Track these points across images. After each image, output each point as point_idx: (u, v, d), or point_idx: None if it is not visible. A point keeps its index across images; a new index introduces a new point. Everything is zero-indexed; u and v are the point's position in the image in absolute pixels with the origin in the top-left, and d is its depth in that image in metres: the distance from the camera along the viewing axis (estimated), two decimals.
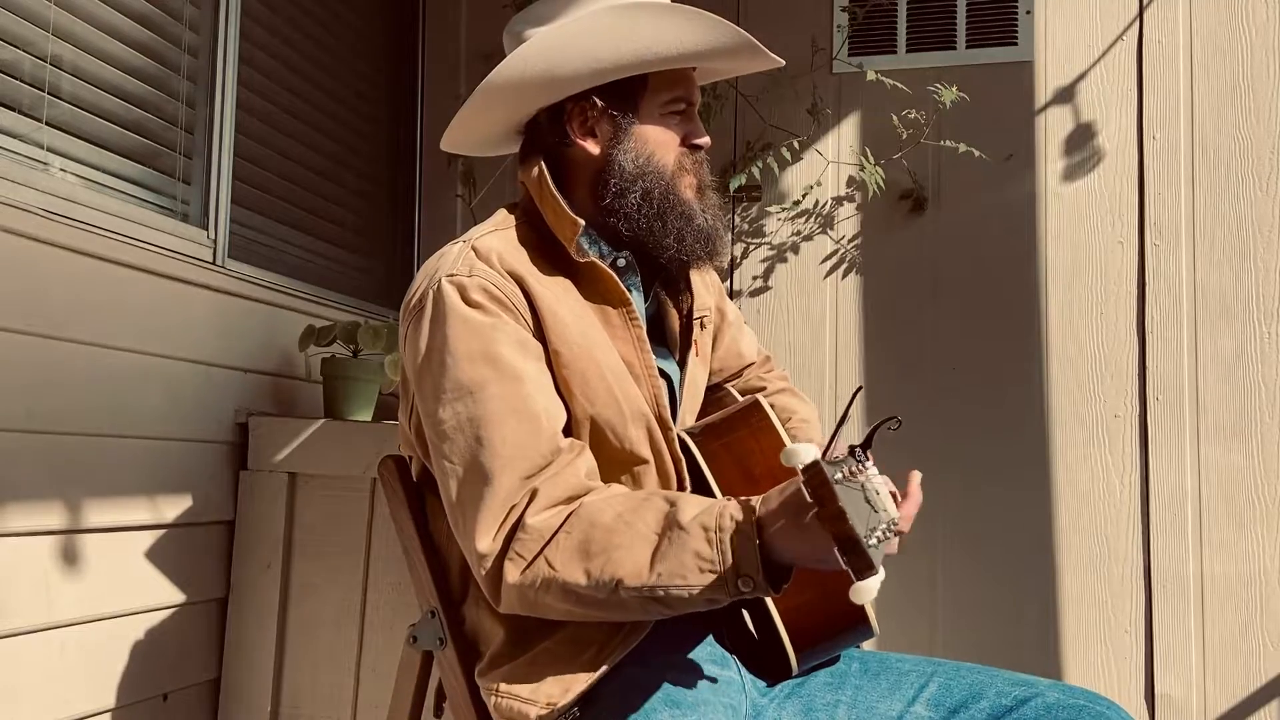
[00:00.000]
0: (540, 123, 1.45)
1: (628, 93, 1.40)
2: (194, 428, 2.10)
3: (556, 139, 1.43)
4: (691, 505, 1.21)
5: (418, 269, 1.42)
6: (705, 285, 1.60)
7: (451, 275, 1.32)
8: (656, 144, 1.41)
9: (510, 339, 1.30)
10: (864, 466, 1.10)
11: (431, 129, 3.07)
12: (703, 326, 1.56)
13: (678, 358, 1.51)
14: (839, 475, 1.05)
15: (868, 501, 1.06)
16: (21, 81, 1.83)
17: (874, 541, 1.03)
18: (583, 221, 1.38)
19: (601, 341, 1.37)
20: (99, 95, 1.99)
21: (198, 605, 2.13)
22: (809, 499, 1.04)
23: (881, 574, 1.03)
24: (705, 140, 1.45)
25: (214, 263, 2.21)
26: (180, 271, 2.07)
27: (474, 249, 1.35)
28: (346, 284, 2.75)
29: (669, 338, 1.52)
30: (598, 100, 1.39)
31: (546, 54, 1.36)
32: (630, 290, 1.42)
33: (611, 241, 1.43)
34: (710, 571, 1.16)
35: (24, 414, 1.72)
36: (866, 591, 1.02)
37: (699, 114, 1.48)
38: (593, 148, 1.41)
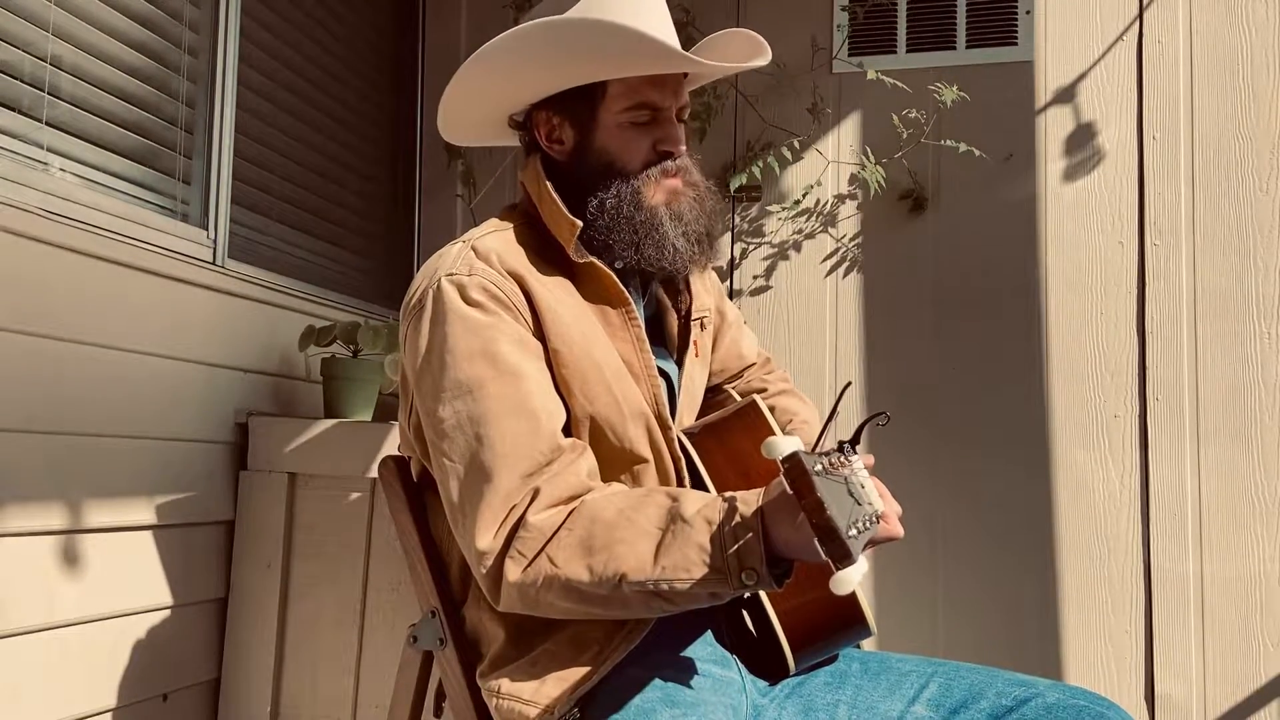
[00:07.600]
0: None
1: (584, 101, 1.39)
2: (194, 428, 2.10)
3: (536, 143, 1.44)
4: (694, 499, 1.22)
5: (418, 269, 1.42)
6: (705, 286, 1.60)
7: (451, 275, 1.33)
8: (616, 153, 1.39)
9: (509, 338, 1.30)
10: (848, 460, 1.11)
11: (431, 130, 3.07)
12: (702, 327, 1.56)
13: (676, 358, 1.51)
14: (819, 467, 1.06)
15: (850, 494, 1.07)
16: (21, 81, 1.82)
17: (853, 532, 1.04)
18: (580, 222, 1.38)
19: (601, 341, 1.37)
20: (99, 95, 1.99)
21: (198, 605, 2.13)
22: (789, 490, 1.05)
23: (863, 565, 1.04)
24: (676, 147, 1.40)
25: (214, 263, 2.21)
26: (180, 271, 2.07)
27: (474, 249, 1.36)
28: (346, 284, 2.75)
29: (667, 338, 1.52)
30: (552, 109, 1.40)
31: (489, 67, 1.37)
32: (629, 290, 1.42)
33: None
34: (714, 565, 1.16)
35: (24, 414, 1.72)
36: (845, 582, 1.03)
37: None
38: (559, 155, 1.42)
